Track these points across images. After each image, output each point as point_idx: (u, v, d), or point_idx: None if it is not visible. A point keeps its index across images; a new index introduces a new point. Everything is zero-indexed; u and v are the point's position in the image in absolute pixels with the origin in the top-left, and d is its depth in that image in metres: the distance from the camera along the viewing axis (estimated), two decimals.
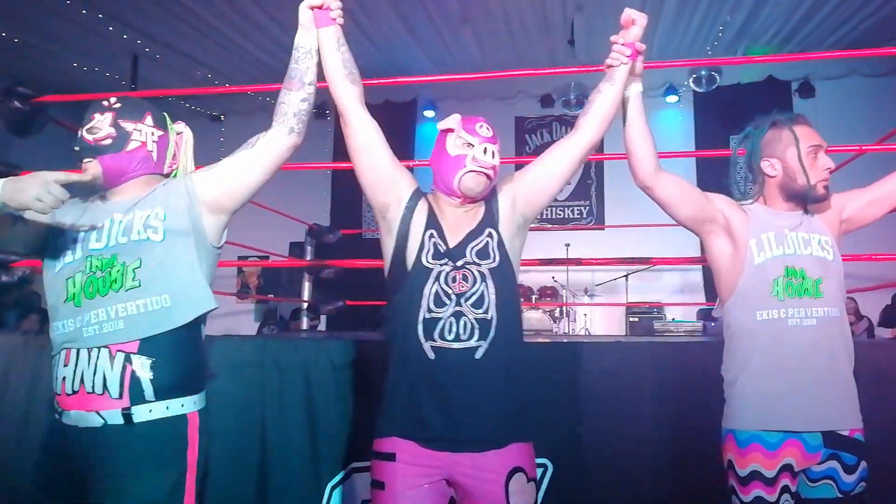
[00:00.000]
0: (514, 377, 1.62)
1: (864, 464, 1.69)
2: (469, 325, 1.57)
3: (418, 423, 1.56)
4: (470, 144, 1.67)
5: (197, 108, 8.79)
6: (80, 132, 1.60)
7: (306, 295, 5.55)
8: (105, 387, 1.45)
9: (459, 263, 1.62)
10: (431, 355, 1.56)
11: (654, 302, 6.82)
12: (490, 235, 1.66)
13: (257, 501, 2.43)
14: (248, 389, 2.49)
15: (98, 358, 1.46)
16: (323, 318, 6.92)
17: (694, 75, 7.39)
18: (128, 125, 1.63)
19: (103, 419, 1.45)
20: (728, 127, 7.63)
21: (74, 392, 1.46)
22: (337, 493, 2.44)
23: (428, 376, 1.56)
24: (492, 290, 1.60)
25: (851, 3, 6.18)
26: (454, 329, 1.56)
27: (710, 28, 6.76)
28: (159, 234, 1.55)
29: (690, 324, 5.35)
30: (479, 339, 1.56)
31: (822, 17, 6.45)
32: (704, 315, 6.11)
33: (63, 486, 1.50)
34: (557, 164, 1.74)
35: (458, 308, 1.58)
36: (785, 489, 1.69)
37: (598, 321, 7.59)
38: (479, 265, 1.62)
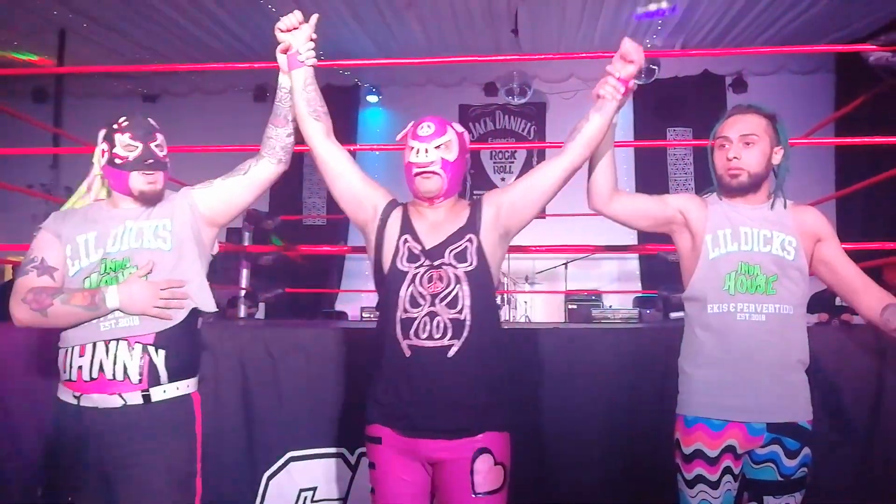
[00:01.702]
0: (490, 374, 1.72)
1: (807, 450, 1.77)
2: (442, 325, 1.67)
3: (397, 413, 1.69)
4: (414, 150, 1.80)
5: (129, 88, 8.42)
6: (147, 146, 1.79)
7: (244, 282, 5.42)
8: (126, 374, 1.68)
9: (436, 263, 1.72)
10: (408, 353, 1.67)
11: (592, 290, 6.95)
12: (470, 241, 1.75)
13: None
14: None
15: (117, 349, 1.68)
16: (261, 305, 6.79)
17: None
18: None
19: (124, 400, 1.68)
20: (666, 119, 7.83)
21: (93, 379, 1.67)
22: (274, 482, 2.39)
23: (405, 373, 1.68)
24: (466, 292, 1.69)
25: (783, 2, 6.40)
26: (428, 328, 1.67)
27: (649, 22, 6.90)
28: (168, 243, 1.79)
29: (627, 311, 5.47)
30: (451, 339, 1.66)
31: (755, 14, 6.66)
32: (640, 302, 6.26)
33: (84, 459, 1.68)
34: (541, 183, 1.81)
35: (432, 308, 1.68)
36: (727, 470, 1.75)
37: (538, 308, 7.69)
38: (455, 267, 1.71)
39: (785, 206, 1.87)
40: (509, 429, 1.74)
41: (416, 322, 1.67)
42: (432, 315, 1.67)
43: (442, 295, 1.68)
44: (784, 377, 1.76)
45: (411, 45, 7.30)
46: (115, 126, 1.82)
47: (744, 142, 1.83)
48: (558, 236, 7.16)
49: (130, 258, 1.75)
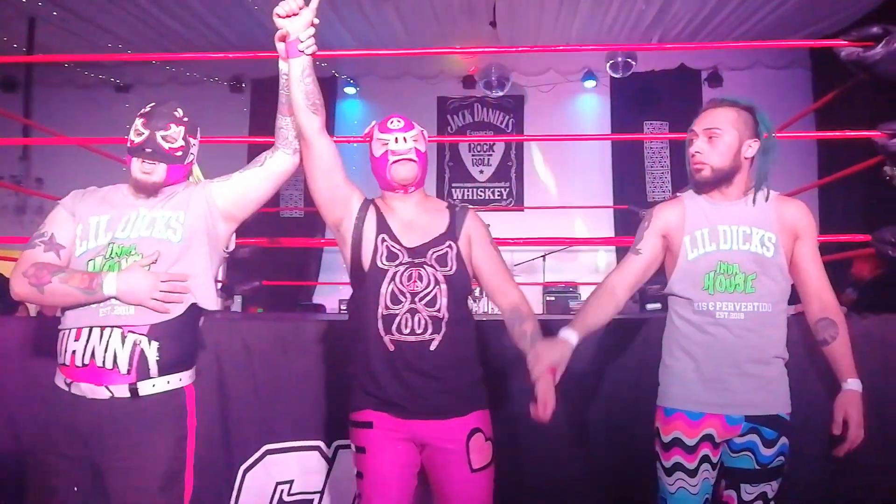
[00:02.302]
0: (468, 359, 1.87)
1: (784, 439, 1.79)
2: (423, 321, 1.77)
3: (388, 400, 1.78)
4: (386, 142, 1.89)
5: (101, 77, 8.27)
6: (152, 134, 1.75)
7: (220, 274, 5.37)
8: (115, 363, 1.64)
9: (417, 261, 1.81)
10: (391, 347, 1.77)
11: (569, 281, 6.99)
12: (450, 247, 1.86)
13: None
14: None
15: (110, 337, 1.65)
16: (238, 298, 6.73)
17: (611, 61, 7.56)
18: (190, 140, 1.84)
19: (111, 392, 1.65)
20: (642, 113, 7.88)
21: (84, 365, 1.64)
22: (250, 475, 2.38)
23: (390, 365, 1.78)
24: (444, 293, 1.80)
25: None
26: (409, 324, 1.77)
27: (626, 16, 6.93)
28: (178, 235, 1.74)
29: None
30: (432, 333, 1.77)
31: (731, 9, 6.72)
32: None
33: (74, 447, 1.65)
34: (486, 276, 1.93)
35: (412, 305, 1.78)
36: (705, 458, 1.78)
37: None
38: (437, 270, 1.82)
39: (767, 199, 1.84)
40: (490, 406, 1.88)
41: (398, 318, 1.77)
42: (413, 312, 1.78)
43: (421, 294, 1.78)
44: (762, 373, 1.78)
45: (389, 37, 7.26)
46: (141, 111, 1.81)
47: (707, 136, 1.83)
48: (536, 229, 7.21)
49: (137, 246, 1.72)
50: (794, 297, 1.87)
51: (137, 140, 1.76)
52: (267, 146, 1.90)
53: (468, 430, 1.80)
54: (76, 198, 1.82)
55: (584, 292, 6.97)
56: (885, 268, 4.98)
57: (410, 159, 1.88)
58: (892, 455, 2.27)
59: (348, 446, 2.42)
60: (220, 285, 5.35)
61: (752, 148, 1.83)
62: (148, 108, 1.80)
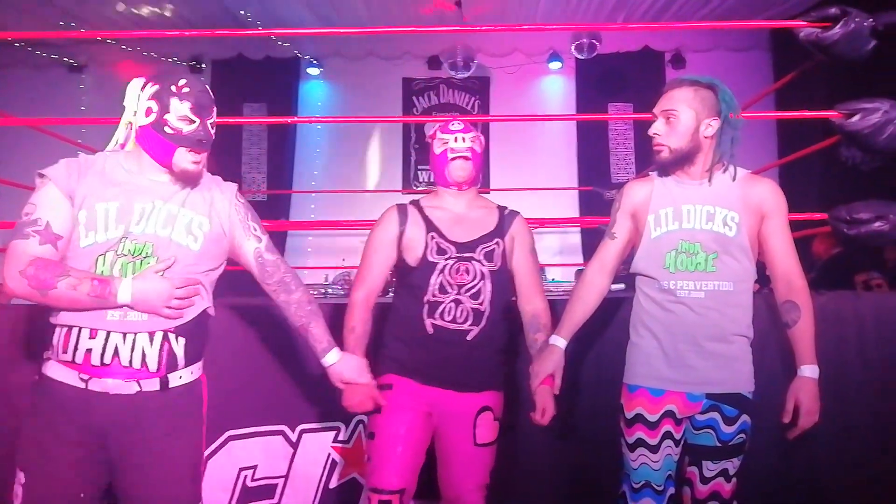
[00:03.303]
0: (501, 353, 2.03)
1: (745, 417, 1.81)
2: (465, 312, 1.93)
3: (413, 367, 1.95)
4: (446, 141, 2.03)
5: (53, 57, 7.98)
6: (203, 122, 1.64)
7: None
8: (144, 362, 1.57)
9: (466, 256, 1.96)
10: (431, 330, 1.93)
11: None
12: (497, 244, 2.01)
13: None
14: None
15: (136, 337, 1.57)
16: None
17: (575, 43, 7.56)
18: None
19: (140, 386, 1.58)
20: (607, 94, 7.91)
21: (104, 364, 1.55)
22: (212, 462, 2.34)
23: (426, 345, 1.94)
24: (489, 287, 1.95)
25: None
26: (452, 313, 1.92)
27: None
28: (198, 244, 1.66)
29: (569, 284, 5.58)
30: (472, 324, 1.93)
31: None
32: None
33: (83, 445, 1.57)
34: (518, 279, 2.07)
35: (457, 296, 1.93)
36: (667, 434, 1.80)
37: None
38: (483, 265, 1.96)
39: (735, 178, 1.83)
40: (505, 388, 2.03)
41: (443, 306, 1.93)
42: (457, 302, 1.93)
43: (467, 286, 1.94)
44: (723, 351, 1.79)
45: (353, 17, 7.12)
46: (174, 88, 1.62)
47: (665, 117, 1.83)
48: None
49: (153, 246, 1.60)
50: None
51: (187, 129, 1.62)
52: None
53: (479, 406, 1.95)
54: (70, 173, 1.60)
55: (550, 273, 7.02)
56: (841, 246, 5.12)
57: (467, 157, 2.01)
58: (847, 431, 2.34)
59: (313, 430, 2.41)
60: None
61: (711, 127, 1.81)
62: (185, 88, 1.63)
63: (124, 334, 1.56)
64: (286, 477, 2.38)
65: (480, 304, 1.94)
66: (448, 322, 1.93)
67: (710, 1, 6.93)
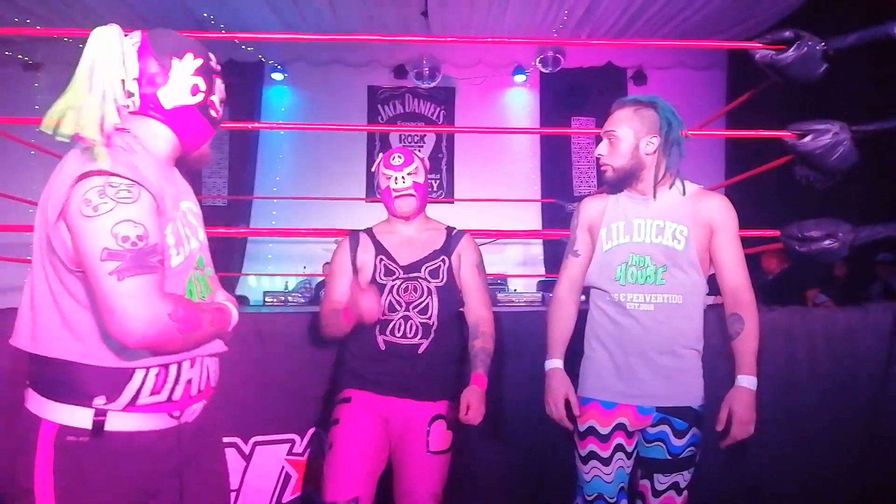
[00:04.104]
0: (454, 363, 2.10)
1: (695, 430, 1.82)
2: (414, 327, 2.02)
3: (371, 380, 2.02)
4: (389, 177, 2.12)
5: (7, 54, 7.75)
6: (222, 101, 1.46)
7: None
8: (209, 380, 1.44)
9: (413, 276, 2.07)
10: (383, 346, 2.02)
11: (498, 273, 7.06)
12: (443, 261, 2.12)
13: None
14: None
15: (204, 359, 1.41)
16: None
17: (540, 56, 7.66)
18: None
19: (204, 405, 1.45)
20: (570, 108, 8.03)
21: (199, 391, 1.40)
22: None
23: (380, 360, 2.02)
24: (436, 302, 2.04)
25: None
26: (402, 328, 2.01)
27: (556, 12, 7.01)
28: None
29: (531, 294, 5.62)
30: (421, 338, 2.01)
31: (657, 10, 6.90)
32: (543, 286, 6.42)
33: (175, 485, 1.38)
34: (465, 293, 2.14)
35: (406, 313, 2.02)
36: (619, 447, 1.81)
37: None
38: (429, 282, 2.07)
39: (685, 193, 1.85)
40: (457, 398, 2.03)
41: (393, 323, 2.02)
42: (406, 318, 2.02)
43: (415, 303, 2.03)
44: (672, 364, 1.81)
45: (318, 23, 7.10)
46: (214, 65, 1.43)
47: (607, 138, 1.87)
48: (465, 221, 7.22)
49: (203, 256, 1.43)
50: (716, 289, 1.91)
51: (222, 112, 1.47)
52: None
53: (432, 415, 2.01)
54: (146, 178, 1.24)
55: (513, 284, 7.07)
56: (791, 262, 5.27)
57: (410, 195, 2.11)
58: (796, 442, 2.39)
59: (265, 443, 2.37)
60: None
61: (652, 144, 1.83)
62: (219, 67, 1.46)
63: (203, 357, 1.41)
64: (238, 491, 2.32)
65: (429, 318, 2.03)
66: (398, 338, 2.01)
67: (672, 19, 7.10)
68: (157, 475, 1.33)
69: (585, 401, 1.86)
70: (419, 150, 8.36)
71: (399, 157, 2.15)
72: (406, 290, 2.05)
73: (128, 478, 1.28)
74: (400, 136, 8.14)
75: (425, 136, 8.21)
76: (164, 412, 1.32)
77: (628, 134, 1.83)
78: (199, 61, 1.39)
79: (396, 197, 2.12)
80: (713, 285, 1.88)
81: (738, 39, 6.86)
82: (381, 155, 2.21)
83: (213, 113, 1.43)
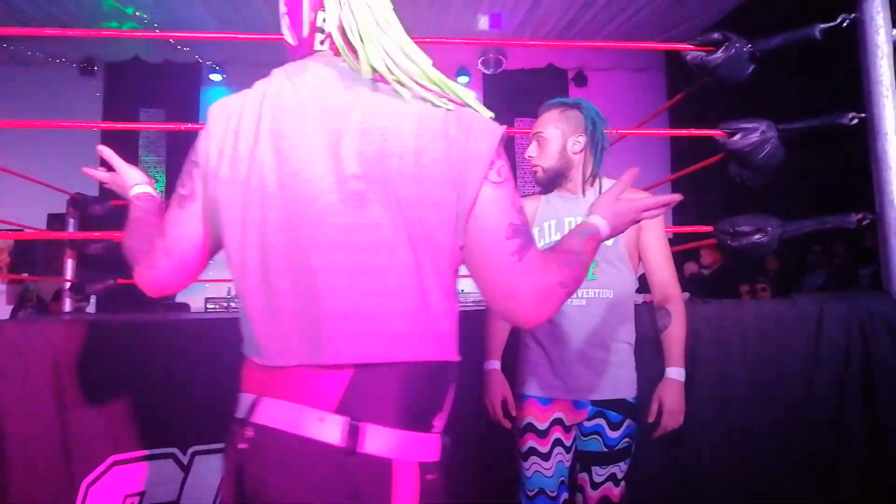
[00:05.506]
0: None
1: (629, 422, 1.87)
2: None
3: None
4: None
5: None
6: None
7: (69, 273, 4.93)
8: None
9: None
10: None
11: None
12: None
13: None
14: None
15: None
16: (93, 299, 6.23)
17: (482, 58, 7.71)
18: None
19: None
20: (514, 109, 8.11)
21: None
22: (94, 489, 2.19)
23: None
24: None
25: (619, 1, 6.81)
26: None
27: (498, 12, 7.08)
28: None
29: (478, 294, 5.66)
30: None
31: (595, 12, 7.04)
32: None
33: None
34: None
35: None
36: (557, 442, 1.84)
37: None
38: None
39: (601, 191, 1.88)
40: None
41: None
42: None
43: None
44: (605, 358, 1.85)
45: (256, 22, 6.96)
46: None
47: (536, 140, 1.92)
48: None
49: None
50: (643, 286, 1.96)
51: None
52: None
53: None
54: None
55: (461, 285, 7.08)
56: (726, 257, 5.45)
57: None
58: (731, 431, 2.46)
59: (205, 452, 2.30)
60: (68, 285, 4.92)
61: (578, 143, 1.89)
62: None
63: None
64: (177, 502, 2.26)
65: None
66: None
67: (612, 21, 7.25)
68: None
69: (523, 398, 1.88)
70: None
71: None
72: None
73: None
74: None
75: None
76: None
77: (556, 135, 1.88)
78: None
79: None
80: (643, 284, 1.93)
81: (677, 41, 7.06)
82: None
83: None
